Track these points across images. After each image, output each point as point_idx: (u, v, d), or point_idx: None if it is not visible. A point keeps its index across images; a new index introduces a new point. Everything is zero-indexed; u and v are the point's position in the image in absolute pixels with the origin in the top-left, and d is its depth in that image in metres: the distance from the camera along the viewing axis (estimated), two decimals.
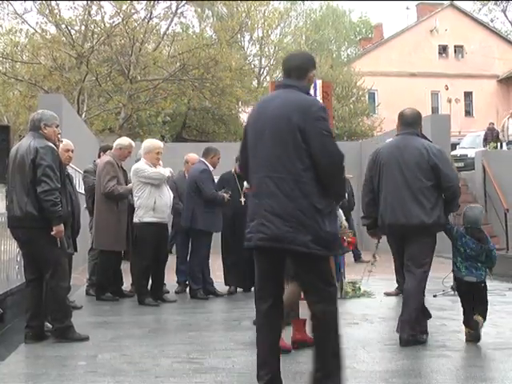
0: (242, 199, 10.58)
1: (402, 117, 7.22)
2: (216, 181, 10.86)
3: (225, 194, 10.40)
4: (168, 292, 10.57)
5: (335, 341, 4.84)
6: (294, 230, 4.65)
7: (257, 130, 5.00)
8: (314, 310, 4.89)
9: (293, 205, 4.67)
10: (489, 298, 9.91)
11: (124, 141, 10.59)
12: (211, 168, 10.62)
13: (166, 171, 9.92)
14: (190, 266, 10.71)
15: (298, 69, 5.20)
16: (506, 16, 55.03)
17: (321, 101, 11.02)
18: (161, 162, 10.11)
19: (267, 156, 4.84)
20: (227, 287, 10.96)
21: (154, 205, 9.68)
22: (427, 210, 6.81)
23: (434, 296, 9.99)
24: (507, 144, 22.76)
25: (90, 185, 10.61)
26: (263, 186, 4.81)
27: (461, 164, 21.85)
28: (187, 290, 10.86)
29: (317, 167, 4.73)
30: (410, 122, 7.13)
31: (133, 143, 10.66)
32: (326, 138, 4.93)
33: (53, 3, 25.43)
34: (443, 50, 45.88)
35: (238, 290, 11.01)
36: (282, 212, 4.68)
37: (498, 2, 53.56)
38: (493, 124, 23.36)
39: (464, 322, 7.04)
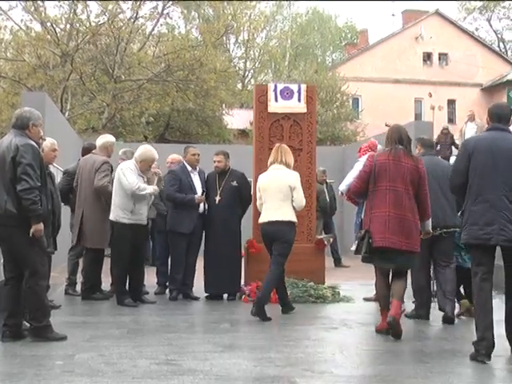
0: (218, 198, 10.57)
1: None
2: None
3: (196, 196, 10.39)
4: (147, 293, 10.55)
5: None
6: None
7: (491, 158, 6.61)
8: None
9: None
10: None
11: (111, 138, 10.63)
12: (189, 168, 10.64)
13: (143, 187, 9.81)
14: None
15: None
16: (490, 25, 55.61)
17: (304, 105, 11.07)
18: (155, 164, 10.14)
19: (503, 180, 6.54)
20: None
21: (132, 207, 9.64)
22: None
23: (414, 302, 9.98)
24: None
25: (65, 185, 10.60)
26: (499, 201, 6.49)
27: None
28: (167, 291, 10.83)
29: None
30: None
31: (115, 139, 10.70)
32: None
33: (39, 1, 25.31)
34: (427, 57, 46.06)
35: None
36: (505, 219, 6.46)
37: (482, 12, 54.00)
38: (447, 129, 22.12)
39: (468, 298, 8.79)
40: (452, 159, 22.56)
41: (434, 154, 8.97)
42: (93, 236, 10.12)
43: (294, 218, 8.93)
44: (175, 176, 10.63)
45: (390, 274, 7.89)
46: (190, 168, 10.68)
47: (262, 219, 9.05)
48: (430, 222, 8.01)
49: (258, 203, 9.25)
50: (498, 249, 6.69)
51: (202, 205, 10.53)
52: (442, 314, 8.69)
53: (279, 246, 8.92)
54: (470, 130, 21.24)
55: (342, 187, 8.46)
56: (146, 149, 10.08)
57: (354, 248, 8.01)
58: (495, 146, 6.68)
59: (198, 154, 10.75)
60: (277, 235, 8.89)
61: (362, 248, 7.65)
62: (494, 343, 6.43)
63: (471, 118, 21.84)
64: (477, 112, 40.02)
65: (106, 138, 10.56)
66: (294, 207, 8.91)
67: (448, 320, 8.54)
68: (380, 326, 7.80)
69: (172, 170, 11.01)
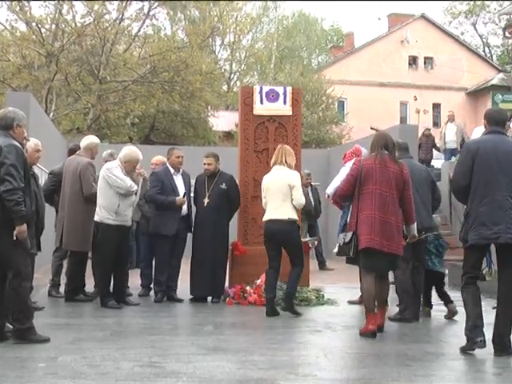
0: (206, 200, 10.57)
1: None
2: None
3: (177, 198, 10.39)
4: (131, 295, 10.52)
5: None
6: None
7: (495, 161, 6.86)
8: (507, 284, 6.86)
9: None
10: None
11: (95, 139, 10.59)
12: (172, 170, 10.64)
13: (134, 185, 9.83)
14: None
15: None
16: (475, 30, 55.86)
17: (290, 107, 11.08)
18: (139, 165, 10.13)
19: (509, 180, 6.81)
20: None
21: (117, 208, 9.62)
22: None
23: (398, 305, 10.01)
24: (444, 152, 21.69)
25: (50, 186, 10.57)
26: (505, 201, 6.77)
27: None
28: (151, 293, 10.81)
29: None
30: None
31: (99, 141, 10.68)
32: None
33: (24, 1, 25.22)
34: (413, 61, 46.21)
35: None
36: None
37: (468, 16, 54.25)
38: (429, 130, 22.06)
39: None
40: (434, 162, 22.58)
41: (409, 156, 9.22)
42: (72, 238, 10.07)
43: (294, 216, 9.22)
44: (157, 178, 10.63)
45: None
46: (172, 170, 10.67)
47: (265, 218, 9.38)
48: (415, 226, 8.19)
49: (263, 203, 9.55)
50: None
51: (184, 207, 10.53)
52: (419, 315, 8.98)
53: (290, 250, 9.32)
54: (450, 131, 21.23)
55: (329, 190, 8.57)
56: (130, 150, 10.04)
57: (336, 250, 8.25)
58: (498, 148, 6.93)
59: (182, 157, 10.73)
60: (280, 236, 9.19)
61: (348, 250, 7.84)
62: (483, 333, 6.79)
63: (451, 119, 21.83)
64: (461, 116, 40.30)
65: (90, 140, 10.52)
66: (294, 206, 9.18)
67: (416, 317, 8.93)
68: (364, 328, 7.84)
69: (154, 171, 11.01)
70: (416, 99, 44.13)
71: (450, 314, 9.27)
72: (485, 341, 6.76)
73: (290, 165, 9.37)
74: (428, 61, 46.31)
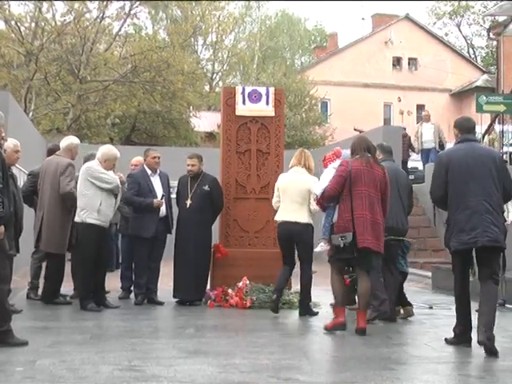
0: (189, 202, 10.57)
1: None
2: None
3: (155, 200, 10.38)
4: (108, 292, 10.45)
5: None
6: (501, 234, 7.24)
7: (466, 169, 7.31)
8: (490, 284, 7.27)
9: (499, 217, 7.27)
10: (434, 311, 10.09)
11: (75, 140, 10.54)
12: (148, 171, 10.65)
13: (117, 179, 9.87)
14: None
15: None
16: (460, 31, 56.12)
17: (273, 108, 11.10)
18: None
19: (481, 187, 7.24)
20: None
21: (99, 206, 9.60)
22: None
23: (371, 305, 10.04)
24: (421, 152, 21.48)
25: (29, 187, 10.52)
26: (480, 205, 7.18)
27: (411, 177, 21.93)
28: (131, 296, 10.78)
29: (503, 193, 7.38)
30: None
31: (79, 141, 10.64)
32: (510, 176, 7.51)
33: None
34: (397, 61, 46.31)
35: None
36: (497, 223, 7.21)
37: (452, 17, 54.50)
38: (405, 130, 21.91)
39: (401, 304, 9.44)
40: (411, 163, 22.52)
41: (392, 159, 9.53)
42: (51, 240, 10.02)
43: (311, 221, 9.52)
44: (134, 179, 10.65)
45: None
46: (149, 171, 10.67)
47: (280, 218, 9.61)
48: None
49: (274, 201, 9.79)
50: None
51: (163, 208, 10.52)
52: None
53: (302, 251, 9.59)
54: (427, 131, 20.94)
55: (317, 191, 8.63)
56: (107, 148, 10.12)
57: (318, 249, 8.90)
58: (468, 155, 7.41)
59: (159, 157, 10.74)
60: (298, 237, 9.48)
61: (350, 250, 8.05)
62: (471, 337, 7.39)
63: (427, 119, 21.67)
64: (446, 117, 40.45)
65: (70, 140, 10.47)
66: (310, 210, 9.46)
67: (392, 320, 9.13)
68: (332, 323, 8.17)
69: (131, 173, 11.01)
70: (400, 100, 44.24)
71: (406, 314, 9.47)
72: (470, 342, 7.34)
73: (310, 169, 9.75)
74: (412, 62, 46.45)
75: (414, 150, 21.44)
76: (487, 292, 7.28)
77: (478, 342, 6.97)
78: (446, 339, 7.57)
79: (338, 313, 8.27)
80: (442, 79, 45.34)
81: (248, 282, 10.25)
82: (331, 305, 10.42)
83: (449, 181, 7.41)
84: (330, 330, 8.12)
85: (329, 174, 8.79)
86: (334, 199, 8.39)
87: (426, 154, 21.05)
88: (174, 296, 10.56)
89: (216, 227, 10.97)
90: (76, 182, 9.93)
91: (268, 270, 10.42)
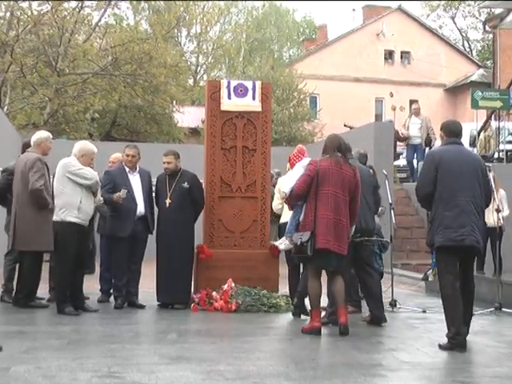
0: (168, 201, 10.56)
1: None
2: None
3: (115, 195, 10.34)
4: (88, 298, 10.43)
5: None
6: (481, 235, 7.74)
7: (457, 168, 7.76)
8: (471, 284, 7.91)
9: (480, 219, 7.81)
10: (428, 315, 10.13)
11: (43, 134, 10.46)
12: (127, 168, 10.62)
13: (96, 175, 9.84)
14: None
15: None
16: (454, 23, 56.26)
17: (259, 103, 11.09)
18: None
19: (469, 188, 7.73)
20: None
21: (79, 204, 9.57)
22: None
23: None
24: (407, 147, 21.31)
25: (3, 184, 10.48)
26: (468, 206, 7.67)
27: (404, 175, 21.98)
28: (111, 299, 10.75)
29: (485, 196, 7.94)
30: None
31: (50, 135, 10.57)
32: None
33: None
34: (389, 55, 46.37)
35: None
36: (479, 224, 7.73)
37: (447, 9, 54.63)
38: (391, 122, 21.67)
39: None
40: (401, 161, 22.44)
41: (352, 157, 9.49)
42: (26, 238, 9.95)
43: None
44: (110, 177, 10.63)
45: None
46: (127, 169, 10.64)
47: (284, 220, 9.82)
48: (353, 229, 8.86)
49: (276, 203, 10.21)
50: None
51: (141, 206, 10.50)
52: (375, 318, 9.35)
53: None
54: (414, 126, 20.72)
55: (286, 190, 8.76)
56: (83, 143, 10.13)
57: (282, 247, 9.37)
58: (459, 157, 7.89)
59: (133, 156, 10.67)
60: None
61: (305, 249, 8.28)
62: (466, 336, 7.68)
63: (416, 113, 21.42)
64: (440, 113, 40.55)
65: (38, 135, 10.40)
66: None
67: (380, 321, 9.33)
68: (309, 325, 8.38)
69: (107, 170, 10.99)
70: (392, 95, 44.17)
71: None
72: (465, 346, 7.55)
73: None
74: (405, 55, 46.52)
75: (400, 140, 21.15)
76: (470, 292, 7.89)
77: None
78: (439, 345, 7.66)
79: (314, 316, 8.44)
80: (435, 73, 45.44)
81: (233, 284, 10.25)
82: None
83: (438, 178, 7.75)
84: (305, 332, 8.34)
85: (297, 172, 8.92)
86: (302, 198, 8.59)
87: (412, 150, 20.94)
88: (158, 299, 10.55)
89: (200, 227, 10.96)
90: (44, 178, 9.89)
91: (254, 271, 10.44)
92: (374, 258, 9.85)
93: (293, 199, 8.74)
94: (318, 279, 8.51)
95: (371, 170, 10.25)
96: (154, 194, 10.91)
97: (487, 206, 8.21)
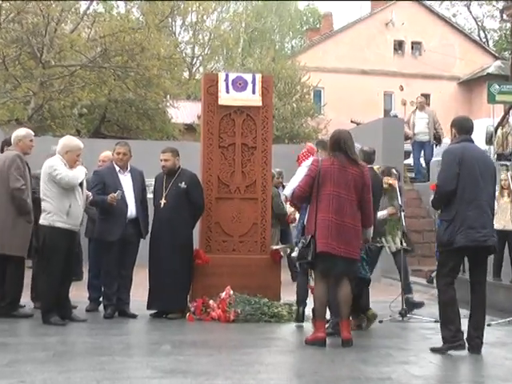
0: (163, 201, 10.56)
1: None
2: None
3: (109, 196, 10.29)
4: (75, 307, 10.41)
5: None
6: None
7: (478, 167, 8.14)
8: (484, 286, 8.27)
9: (493, 221, 8.35)
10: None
11: (21, 131, 10.44)
12: (117, 168, 10.60)
13: (82, 173, 9.78)
14: None
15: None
16: (469, 11, 56.11)
17: (260, 97, 11.09)
18: (81, 159, 10.06)
19: (487, 189, 8.17)
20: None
21: (68, 209, 9.54)
22: None
23: (380, 322, 10.07)
24: (413, 145, 21.07)
25: None
26: (487, 207, 8.12)
27: (412, 174, 21.84)
28: (100, 308, 10.75)
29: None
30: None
31: (31, 132, 10.55)
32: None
33: None
34: (399, 46, 46.41)
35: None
36: (492, 224, 8.25)
37: None
38: (396, 117, 21.41)
39: (363, 312, 9.70)
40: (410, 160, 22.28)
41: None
42: (6, 241, 9.96)
43: None
44: (98, 177, 10.59)
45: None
46: (118, 168, 10.63)
47: None
48: (371, 230, 8.91)
49: (288, 206, 10.29)
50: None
51: (132, 208, 10.48)
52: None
53: None
54: (421, 121, 20.44)
55: (287, 192, 8.83)
56: (67, 139, 10.07)
57: (294, 254, 9.09)
58: (476, 155, 8.30)
59: (124, 154, 10.63)
60: None
61: (306, 253, 8.35)
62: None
63: (421, 107, 21.20)
64: (453, 108, 40.49)
65: (16, 133, 10.39)
66: None
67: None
68: (313, 336, 8.38)
69: (97, 170, 10.96)
70: (402, 89, 44.29)
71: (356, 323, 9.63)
72: (464, 345, 8.00)
73: None
74: (416, 46, 46.54)
75: (407, 138, 20.95)
76: (483, 294, 8.27)
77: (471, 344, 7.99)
78: (433, 349, 8.14)
79: (318, 326, 8.46)
80: (449, 66, 45.45)
81: (232, 292, 10.24)
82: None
83: (461, 176, 8.05)
84: (308, 343, 8.35)
85: (301, 173, 8.94)
86: (305, 200, 8.67)
87: (418, 148, 20.67)
88: (148, 308, 10.54)
89: (196, 231, 10.95)
90: (24, 176, 9.88)
91: (254, 278, 10.42)
92: (360, 263, 9.75)
93: (296, 201, 8.79)
94: (325, 286, 8.51)
95: (394, 171, 10.41)
96: (148, 196, 10.90)
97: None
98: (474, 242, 7.97)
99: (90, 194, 10.16)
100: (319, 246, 8.27)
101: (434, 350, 8.09)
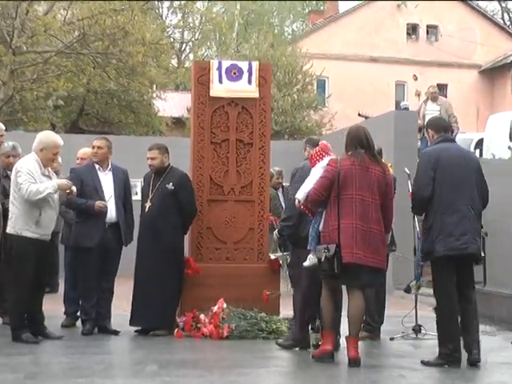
0: (148, 204, 10.55)
1: None
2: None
3: (96, 202, 10.29)
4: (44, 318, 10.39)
5: None
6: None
7: (456, 169, 8.43)
8: (472, 296, 8.57)
9: (478, 224, 8.61)
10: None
11: None
12: (96, 166, 10.57)
13: (51, 185, 9.68)
14: None
15: None
16: None
17: (257, 88, 11.11)
18: (59, 159, 10.04)
19: (468, 191, 8.44)
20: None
21: (38, 217, 9.51)
22: None
23: (391, 339, 10.07)
24: (421, 140, 20.85)
25: None
26: (468, 211, 8.37)
27: None
28: (78, 323, 10.74)
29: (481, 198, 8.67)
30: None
31: (1, 126, 10.53)
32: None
33: None
34: (413, 30, 46.39)
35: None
36: (478, 229, 8.54)
37: None
38: (407, 109, 21.19)
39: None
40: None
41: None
42: None
43: None
44: (75, 176, 10.50)
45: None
46: (98, 166, 10.60)
47: None
48: (389, 236, 9.09)
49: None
50: None
51: (112, 212, 10.47)
52: None
53: None
54: (432, 113, 20.29)
55: (300, 195, 8.75)
56: (44, 134, 10.04)
57: (307, 263, 8.82)
58: (456, 156, 8.64)
59: (99, 147, 10.58)
60: None
61: (331, 265, 8.26)
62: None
63: (434, 97, 21.03)
64: (473, 99, 40.58)
65: None
66: None
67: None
68: (320, 350, 8.50)
69: (74, 168, 10.89)
70: (416, 79, 44.35)
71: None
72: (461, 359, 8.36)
73: None
74: (431, 30, 46.53)
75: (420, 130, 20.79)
76: (473, 304, 8.58)
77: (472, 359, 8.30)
78: (424, 362, 8.47)
79: (325, 339, 8.54)
80: (469, 52, 45.43)
81: (225, 305, 10.24)
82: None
83: (436, 180, 8.42)
84: (317, 358, 8.44)
85: (315, 174, 8.89)
86: (321, 204, 8.63)
87: (426, 142, 20.57)
88: (132, 324, 10.54)
89: (186, 237, 10.94)
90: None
91: (251, 290, 10.42)
92: None
93: (312, 206, 8.75)
94: (334, 295, 8.59)
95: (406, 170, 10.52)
96: (135, 197, 10.89)
97: (484, 207, 8.81)
98: (454, 250, 8.28)
99: (74, 188, 9.93)
100: (344, 257, 8.24)
101: (426, 364, 8.38)
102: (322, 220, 8.61)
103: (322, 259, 8.34)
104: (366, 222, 8.33)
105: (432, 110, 20.20)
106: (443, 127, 8.95)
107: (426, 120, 20.13)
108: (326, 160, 8.92)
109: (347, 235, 8.26)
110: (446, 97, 44.16)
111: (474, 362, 8.32)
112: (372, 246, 8.34)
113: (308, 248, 8.89)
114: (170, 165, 10.71)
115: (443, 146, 8.66)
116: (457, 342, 8.30)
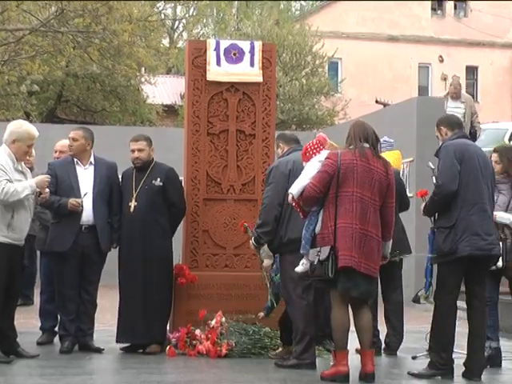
0: (133, 203, 10.56)
1: None
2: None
3: (70, 200, 10.24)
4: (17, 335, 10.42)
5: None
6: None
7: (480, 166, 8.79)
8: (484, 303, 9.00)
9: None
10: None
11: None
12: (75, 160, 10.55)
13: (29, 186, 9.68)
14: None
15: None
16: None
17: (260, 71, 11.12)
18: (33, 152, 10.04)
19: (488, 191, 8.82)
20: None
21: (10, 220, 9.52)
22: None
23: (414, 358, 10.08)
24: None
25: None
26: (489, 211, 8.81)
27: None
28: (55, 340, 10.76)
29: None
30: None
31: None
32: None
33: None
34: (438, 5, 46.39)
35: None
36: (495, 230, 9.02)
37: None
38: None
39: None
40: None
41: (301, 149, 9.62)
42: None
43: None
44: (50, 170, 10.48)
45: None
46: (76, 159, 10.59)
47: None
48: (389, 245, 8.94)
49: None
50: None
51: (89, 213, 10.43)
52: None
53: None
54: (455, 111, 20.18)
55: (294, 190, 8.78)
56: (16, 124, 9.97)
57: (300, 269, 8.80)
58: (478, 153, 9.00)
59: (73, 139, 10.54)
60: None
61: (324, 269, 8.33)
62: None
63: (456, 95, 20.95)
64: (508, 84, 40.45)
65: None
66: None
67: None
68: (334, 370, 8.51)
69: (51, 163, 10.85)
70: (442, 60, 44.39)
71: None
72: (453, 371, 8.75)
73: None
74: (460, 5, 46.55)
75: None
76: (483, 313, 8.99)
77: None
78: (412, 373, 8.88)
79: (339, 358, 8.49)
80: (503, 30, 45.42)
81: (224, 319, 10.25)
82: (357, 350, 10.45)
83: (462, 175, 8.70)
84: (326, 378, 8.45)
85: (311, 168, 8.92)
86: (317, 202, 8.66)
87: None
88: (119, 341, 10.57)
89: (178, 241, 10.96)
90: None
91: (253, 302, 10.43)
92: None
93: (305, 203, 8.77)
94: (345, 309, 8.55)
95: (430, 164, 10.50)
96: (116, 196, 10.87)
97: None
98: (480, 250, 8.60)
99: (47, 190, 9.92)
100: (341, 260, 8.27)
101: (416, 376, 8.77)
102: (319, 221, 8.63)
103: (315, 262, 8.38)
104: (364, 224, 8.42)
105: (456, 108, 20.17)
106: (457, 124, 9.32)
107: None
108: (324, 153, 8.97)
109: (346, 237, 8.32)
110: (476, 81, 44.46)
111: (476, 375, 8.75)
112: (368, 251, 8.41)
113: (301, 252, 8.94)
114: (154, 159, 10.71)
115: (464, 141, 9.06)
116: (450, 352, 8.67)
